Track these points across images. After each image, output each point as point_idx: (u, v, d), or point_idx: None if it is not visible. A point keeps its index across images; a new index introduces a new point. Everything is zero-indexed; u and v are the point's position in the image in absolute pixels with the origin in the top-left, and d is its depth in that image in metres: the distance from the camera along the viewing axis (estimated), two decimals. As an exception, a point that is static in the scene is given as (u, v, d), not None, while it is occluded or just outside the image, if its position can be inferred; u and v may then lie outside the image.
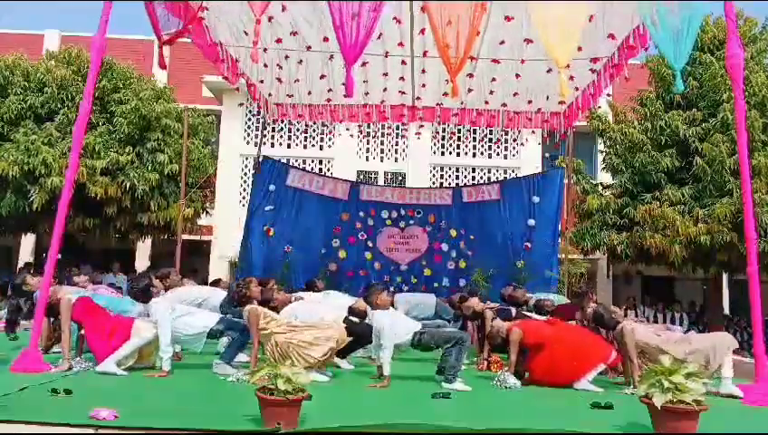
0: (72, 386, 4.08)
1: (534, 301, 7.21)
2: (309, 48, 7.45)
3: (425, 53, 7.36)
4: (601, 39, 6.60)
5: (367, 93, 9.00)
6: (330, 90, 8.81)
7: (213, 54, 7.03)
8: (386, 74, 8.22)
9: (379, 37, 6.90)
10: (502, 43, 6.98)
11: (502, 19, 6.33)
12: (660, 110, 12.40)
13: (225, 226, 15.57)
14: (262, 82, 8.69)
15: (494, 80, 8.14)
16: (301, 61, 7.92)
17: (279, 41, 7.20)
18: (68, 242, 9.31)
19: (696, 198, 11.53)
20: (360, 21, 4.95)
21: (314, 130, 14.25)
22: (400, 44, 7.19)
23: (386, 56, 7.60)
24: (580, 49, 6.58)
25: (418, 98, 9.05)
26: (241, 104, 13.90)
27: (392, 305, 5.93)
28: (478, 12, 5.14)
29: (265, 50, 7.19)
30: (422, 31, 6.53)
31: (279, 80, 8.54)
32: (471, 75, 7.96)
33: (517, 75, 7.90)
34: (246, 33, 6.81)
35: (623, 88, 13.11)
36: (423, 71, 7.92)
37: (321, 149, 17.43)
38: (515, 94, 8.65)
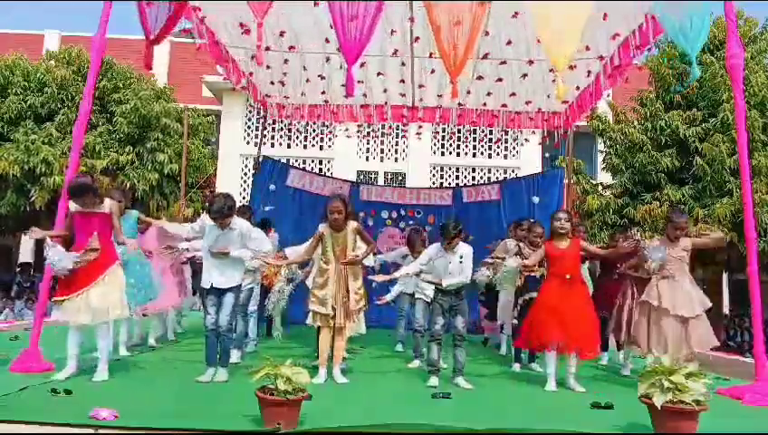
0: (72, 386, 4.08)
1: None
2: (306, 48, 7.44)
3: (431, 55, 7.33)
4: (603, 39, 6.59)
5: (365, 95, 8.98)
6: (324, 92, 8.81)
7: (217, 54, 7.03)
8: (385, 75, 8.22)
9: (391, 33, 6.88)
10: (509, 43, 6.95)
11: (505, 19, 6.31)
12: (660, 110, 12.40)
13: (225, 226, 15.55)
14: (262, 82, 8.69)
15: (499, 80, 8.11)
16: (303, 67, 7.94)
17: (268, 49, 7.19)
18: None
19: (696, 198, 11.52)
20: (361, 20, 4.93)
21: (314, 131, 14.25)
22: (416, 41, 7.10)
23: (394, 54, 7.56)
24: (588, 49, 6.59)
25: (422, 98, 9.03)
26: (246, 104, 13.90)
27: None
28: (480, 12, 5.12)
29: (267, 48, 7.15)
30: (434, 33, 6.48)
31: (282, 83, 8.53)
32: (481, 78, 7.94)
33: (524, 75, 7.87)
34: (242, 29, 6.79)
35: (623, 88, 13.06)
36: (433, 71, 7.89)
37: (321, 149, 17.44)
38: (516, 94, 8.63)
